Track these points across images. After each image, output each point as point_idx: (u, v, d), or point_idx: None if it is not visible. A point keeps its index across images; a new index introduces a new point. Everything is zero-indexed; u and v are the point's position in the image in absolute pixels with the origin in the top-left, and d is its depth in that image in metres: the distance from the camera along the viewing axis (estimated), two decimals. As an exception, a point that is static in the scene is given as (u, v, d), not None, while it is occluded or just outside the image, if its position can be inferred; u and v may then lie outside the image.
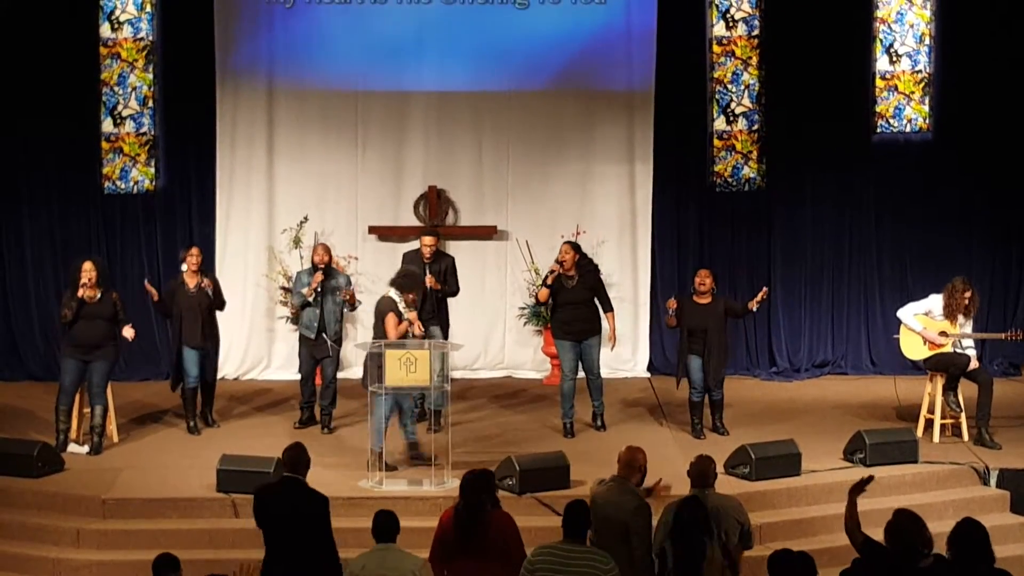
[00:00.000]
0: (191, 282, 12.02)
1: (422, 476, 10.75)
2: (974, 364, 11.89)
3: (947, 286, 12.00)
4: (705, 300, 11.97)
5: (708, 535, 7.59)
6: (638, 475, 8.26)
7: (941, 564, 6.92)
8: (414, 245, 12.97)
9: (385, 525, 7.79)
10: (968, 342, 11.97)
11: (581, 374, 12.20)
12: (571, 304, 12.01)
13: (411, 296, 11.16)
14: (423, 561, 7.77)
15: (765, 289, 12.19)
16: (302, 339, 12.39)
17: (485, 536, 7.80)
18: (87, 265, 11.43)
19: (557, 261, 12.05)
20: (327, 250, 12.42)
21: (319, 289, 12.12)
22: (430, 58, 14.48)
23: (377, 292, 14.20)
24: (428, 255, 12.39)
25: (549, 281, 12.02)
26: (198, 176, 14.60)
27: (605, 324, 12.17)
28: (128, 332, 11.58)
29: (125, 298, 12.84)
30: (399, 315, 11.02)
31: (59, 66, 14.23)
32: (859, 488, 7.65)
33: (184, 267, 12.05)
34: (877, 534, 7.24)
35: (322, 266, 12.19)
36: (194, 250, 12.18)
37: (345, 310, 12.41)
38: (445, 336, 12.41)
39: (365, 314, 14.38)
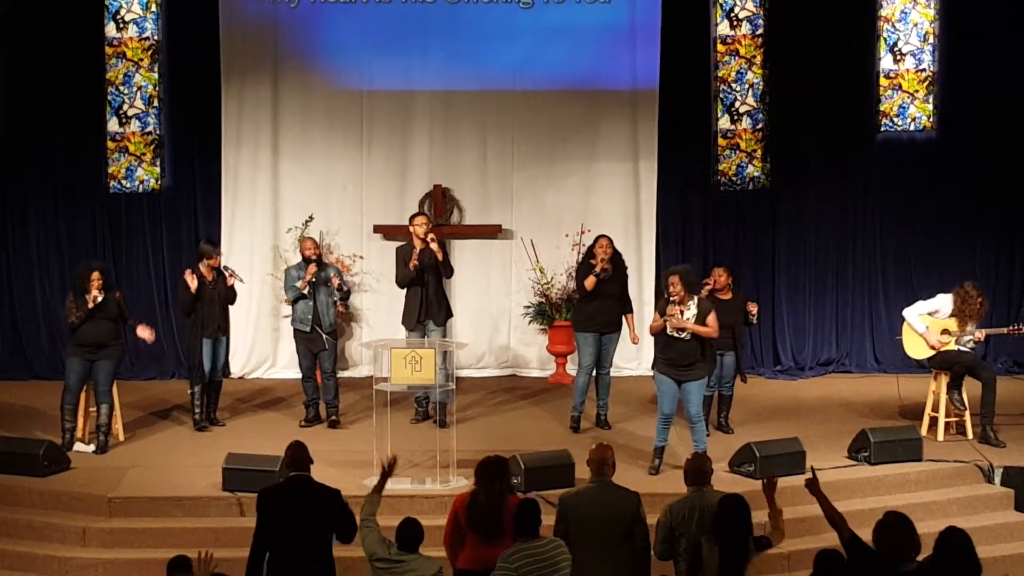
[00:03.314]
0: (208, 275, 12.08)
1: (426, 474, 10.78)
2: (980, 336, 11.89)
3: (959, 291, 11.95)
4: (726, 296, 12.00)
5: (750, 532, 7.63)
6: (611, 471, 8.37)
7: (926, 569, 6.92)
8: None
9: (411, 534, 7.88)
10: (968, 339, 11.95)
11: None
12: (602, 296, 12.07)
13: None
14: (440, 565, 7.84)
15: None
16: (297, 334, 12.45)
17: (502, 521, 7.87)
18: (95, 275, 11.48)
19: (599, 257, 12.05)
20: (315, 243, 12.52)
21: (313, 280, 12.18)
22: (435, 57, 14.48)
23: (382, 291, 14.32)
24: (423, 231, 12.27)
25: (598, 269, 12.01)
26: (203, 175, 14.62)
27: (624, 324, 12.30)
28: (145, 333, 11.72)
29: (131, 297, 12.92)
30: (662, 312, 10.93)
31: (64, 66, 14.26)
32: (814, 483, 7.64)
33: (205, 261, 12.10)
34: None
35: (314, 258, 12.26)
36: (219, 249, 12.42)
37: (337, 300, 12.45)
38: (444, 330, 12.46)
39: (369, 312, 14.45)
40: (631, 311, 12.42)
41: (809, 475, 7.72)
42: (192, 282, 11.94)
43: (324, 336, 12.29)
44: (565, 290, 14.32)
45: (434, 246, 12.18)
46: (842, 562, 7.01)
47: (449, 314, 12.70)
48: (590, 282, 12.08)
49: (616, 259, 12.24)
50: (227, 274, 12.21)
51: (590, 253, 12.26)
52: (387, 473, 8.31)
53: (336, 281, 12.31)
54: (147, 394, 13.55)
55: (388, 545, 7.85)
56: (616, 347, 12.37)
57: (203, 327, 12.06)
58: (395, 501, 9.96)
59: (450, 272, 12.52)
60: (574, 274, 13.12)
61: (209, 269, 12.12)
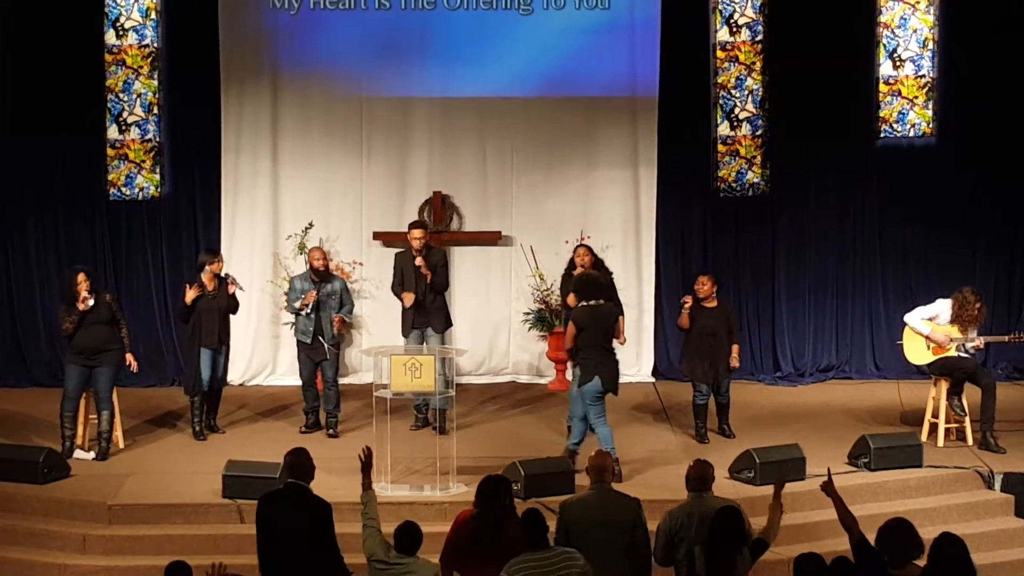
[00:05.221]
0: (210, 284, 12.06)
1: (426, 481, 10.78)
2: (979, 343, 11.89)
3: (957, 296, 11.96)
4: (711, 304, 12.00)
5: (745, 544, 7.62)
6: (611, 477, 8.44)
7: (924, 575, 6.95)
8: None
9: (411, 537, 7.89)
10: (970, 344, 11.96)
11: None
12: None
13: None
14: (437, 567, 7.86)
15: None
16: (299, 344, 12.44)
17: (501, 541, 7.85)
18: (81, 277, 11.45)
19: (581, 265, 12.05)
20: (323, 253, 12.48)
21: (308, 308, 12.18)
22: (434, 64, 14.48)
23: (381, 298, 14.30)
24: (418, 247, 12.35)
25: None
26: (203, 182, 14.61)
27: None
28: (131, 361, 11.73)
29: (131, 305, 12.88)
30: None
31: (64, 73, 14.25)
32: (830, 485, 7.66)
33: (207, 270, 12.07)
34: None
35: (322, 269, 12.25)
36: (221, 256, 12.34)
37: (345, 317, 12.45)
38: (443, 337, 12.45)
39: (369, 319, 14.45)
40: (621, 313, 12.25)
41: (825, 478, 7.73)
42: (190, 295, 11.90)
43: (326, 347, 12.28)
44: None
45: (424, 270, 12.25)
46: (822, 565, 7.05)
47: (449, 323, 12.70)
48: (571, 299, 12.06)
49: (597, 267, 12.21)
50: (228, 282, 12.19)
51: (571, 264, 12.23)
52: (367, 465, 8.30)
53: (337, 324, 12.29)
54: (147, 401, 13.54)
55: (387, 548, 7.86)
56: None
57: (201, 337, 12.04)
58: (395, 508, 9.96)
59: (442, 287, 12.57)
60: (559, 287, 13.06)
61: (211, 277, 12.10)
